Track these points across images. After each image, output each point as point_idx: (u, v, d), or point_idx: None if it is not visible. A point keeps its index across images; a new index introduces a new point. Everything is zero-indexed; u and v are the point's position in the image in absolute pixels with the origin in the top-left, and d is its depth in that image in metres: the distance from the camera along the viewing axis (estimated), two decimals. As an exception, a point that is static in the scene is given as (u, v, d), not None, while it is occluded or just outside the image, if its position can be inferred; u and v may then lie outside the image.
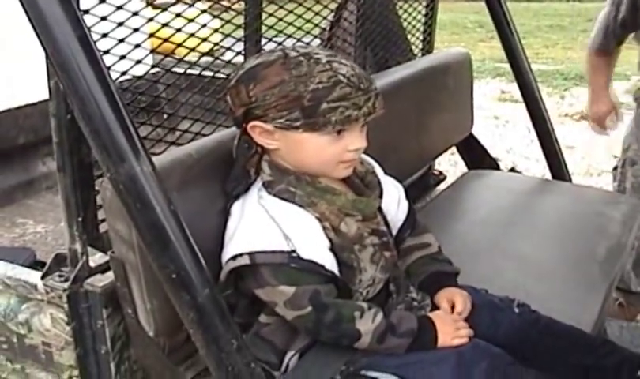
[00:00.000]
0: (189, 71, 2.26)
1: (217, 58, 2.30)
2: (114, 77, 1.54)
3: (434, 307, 1.82)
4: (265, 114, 1.57)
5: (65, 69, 1.35)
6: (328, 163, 1.65)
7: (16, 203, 3.74)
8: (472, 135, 3.32)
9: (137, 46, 1.91)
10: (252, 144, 1.65)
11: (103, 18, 1.70)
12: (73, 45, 1.33)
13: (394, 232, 1.89)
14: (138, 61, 1.92)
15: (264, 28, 2.51)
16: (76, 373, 1.83)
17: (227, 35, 2.28)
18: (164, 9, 2.05)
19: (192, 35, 2.12)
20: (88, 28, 1.39)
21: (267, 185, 1.64)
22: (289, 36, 2.48)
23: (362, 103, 1.58)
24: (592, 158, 5.56)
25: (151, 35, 1.98)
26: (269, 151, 1.66)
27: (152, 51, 2.02)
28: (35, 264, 1.91)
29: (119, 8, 1.77)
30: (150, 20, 1.93)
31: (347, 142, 1.62)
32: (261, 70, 1.58)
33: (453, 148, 3.45)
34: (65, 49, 1.33)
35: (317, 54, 1.60)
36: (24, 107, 3.60)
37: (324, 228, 1.63)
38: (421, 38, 3.37)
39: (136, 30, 1.88)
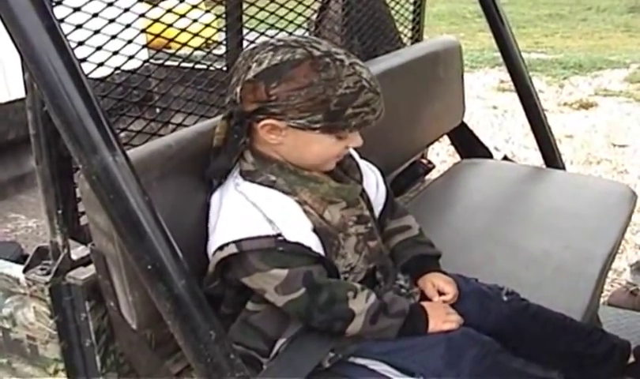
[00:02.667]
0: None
1: (197, 49, 2.27)
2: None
3: (421, 293, 1.83)
4: (282, 113, 1.55)
5: (34, 60, 1.33)
6: (328, 160, 1.67)
7: (8, 198, 3.73)
8: (463, 124, 3.29)
9: (114, 37, 1.89)
10: (241, 135, 1.63)
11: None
12: (42, 36, 1.32)
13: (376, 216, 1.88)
14: (115, 53, 1.91)
15: (251, 20, 2.48)
16: (61, 366, 1.82)
17: (207, 25, 2.25)
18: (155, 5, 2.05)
19: (170, 25, 2.11)
20: (60, 19, 1.38)
21: (245, 174, 1.63)
22: (272, 26, 2.45)
23: (378, 108, 1.61)
24: (591, 147, 5.54)
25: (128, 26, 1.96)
26: (259, 141, 1.64)
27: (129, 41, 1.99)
28: (22, 259, 1.89)
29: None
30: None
31: (348, 141, 1.64)
32: (288, 69, 1.54)
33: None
34: (33, 40, 1.32)
35: (338, 53, 1.58)
36: (14, 102, 3.57)
37: (305, 211, 1.62)
38: (410, 26, 3.34)
39: (112, 21, 1.87)
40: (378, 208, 1.90)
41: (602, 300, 2.96)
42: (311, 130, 1.57)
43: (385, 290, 1.76)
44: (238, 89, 1.57)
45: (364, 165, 1.89)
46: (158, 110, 2.38)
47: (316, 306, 1.59)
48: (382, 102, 1.62)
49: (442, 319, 1.70)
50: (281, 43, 1.59)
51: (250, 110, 1.57)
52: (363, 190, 1.81)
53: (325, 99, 1.53)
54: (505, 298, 1.87)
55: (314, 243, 1.61)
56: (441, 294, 1.81)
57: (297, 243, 1.57)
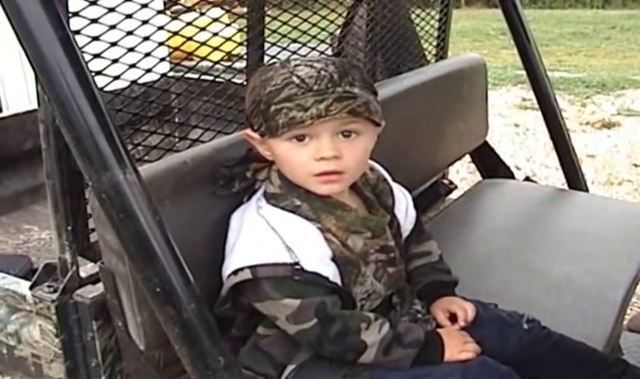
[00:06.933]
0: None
1: (217, 63, 2.24)
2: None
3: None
4: (251, 124, 1.57)
5: (45, 72, 1.30)
6: (300, 175, 1.56)
7: (23, 209, 3.70)
8: (486, 143, 3.25)
9: (131, 50, 1.86)
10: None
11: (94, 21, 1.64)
12: (55, 47, 1.28)
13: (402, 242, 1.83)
14: (133, 66, 1.88)
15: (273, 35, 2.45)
16: (67, 386, 1.79)
17: (228, 39, 2.22)
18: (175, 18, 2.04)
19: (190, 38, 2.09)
20: (75, 31, 1.34)
21: (270, 197, 1.59)
22: (294, 41, 2.42)
23: (309, 105, 1.47)
24: (613, 167, 5.49)
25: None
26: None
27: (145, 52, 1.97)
28: (32, 273, 1.86)
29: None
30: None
31: (312, 151, 1.53)
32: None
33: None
34: (45, 51, 1.28)
35: (298, 59, 1.57)
36: (32, 112, 3.56)
37: (326, 239, 1.58)
38: (434, 43, 3.30)
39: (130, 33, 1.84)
40: (405, 233, 1.85)
41: (622, 325, 2.90)
42: (262, 136, 1.55)
43: (401, 315, 1.71)
44: None
45: (397, 189, 1.84)
46: (176, 121, 2.34)
47: (327, 338, 1.54)
48: (332, 101, 1.47)
49: (458, 349, 1.64)
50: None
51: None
52: (394, 216, 1.77)
53: (258, 100, 1.51)
54: (525, 326, 1.81)
55: (332, 273, 1.56)
56: (455, 317, 1.75)
57: (314, 273, 1.52)
